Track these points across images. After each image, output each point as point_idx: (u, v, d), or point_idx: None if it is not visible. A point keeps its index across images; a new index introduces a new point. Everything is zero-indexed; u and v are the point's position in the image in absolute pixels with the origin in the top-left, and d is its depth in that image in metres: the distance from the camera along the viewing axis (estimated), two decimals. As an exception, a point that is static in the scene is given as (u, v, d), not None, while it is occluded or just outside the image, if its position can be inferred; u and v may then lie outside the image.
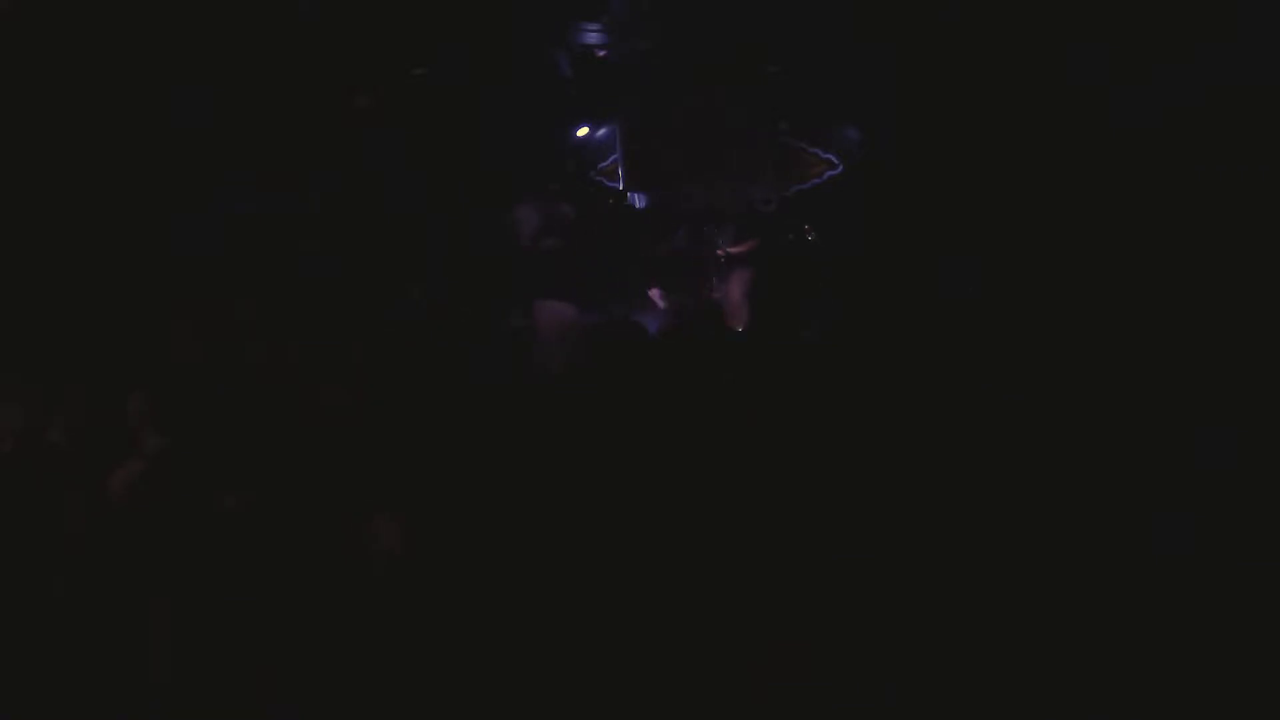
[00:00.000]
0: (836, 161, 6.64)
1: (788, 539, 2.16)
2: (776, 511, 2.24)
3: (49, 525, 2.39)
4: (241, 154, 4.79)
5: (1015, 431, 2.59)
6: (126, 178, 4.44)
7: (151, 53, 4.47)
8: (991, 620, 1.98)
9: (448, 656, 1.99)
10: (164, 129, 4.52)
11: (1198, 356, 2.82)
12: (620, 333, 3.39)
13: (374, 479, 2.45)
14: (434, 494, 2.37)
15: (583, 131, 7.17)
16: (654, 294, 5.41)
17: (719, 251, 6.01)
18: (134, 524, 2.33)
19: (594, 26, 6.07)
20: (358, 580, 2.15)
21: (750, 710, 1.82)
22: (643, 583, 2.07)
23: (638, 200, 7.16)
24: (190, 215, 4.47)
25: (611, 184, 7.24)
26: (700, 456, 2.46)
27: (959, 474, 2.38)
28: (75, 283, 4.04)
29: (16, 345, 3.49)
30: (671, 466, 2.42)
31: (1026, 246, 3.82)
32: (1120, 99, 3.74)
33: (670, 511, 2.25)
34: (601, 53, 6.30)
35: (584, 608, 2.03)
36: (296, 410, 2.88)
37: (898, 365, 3.08)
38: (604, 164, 7.30)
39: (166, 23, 4.49)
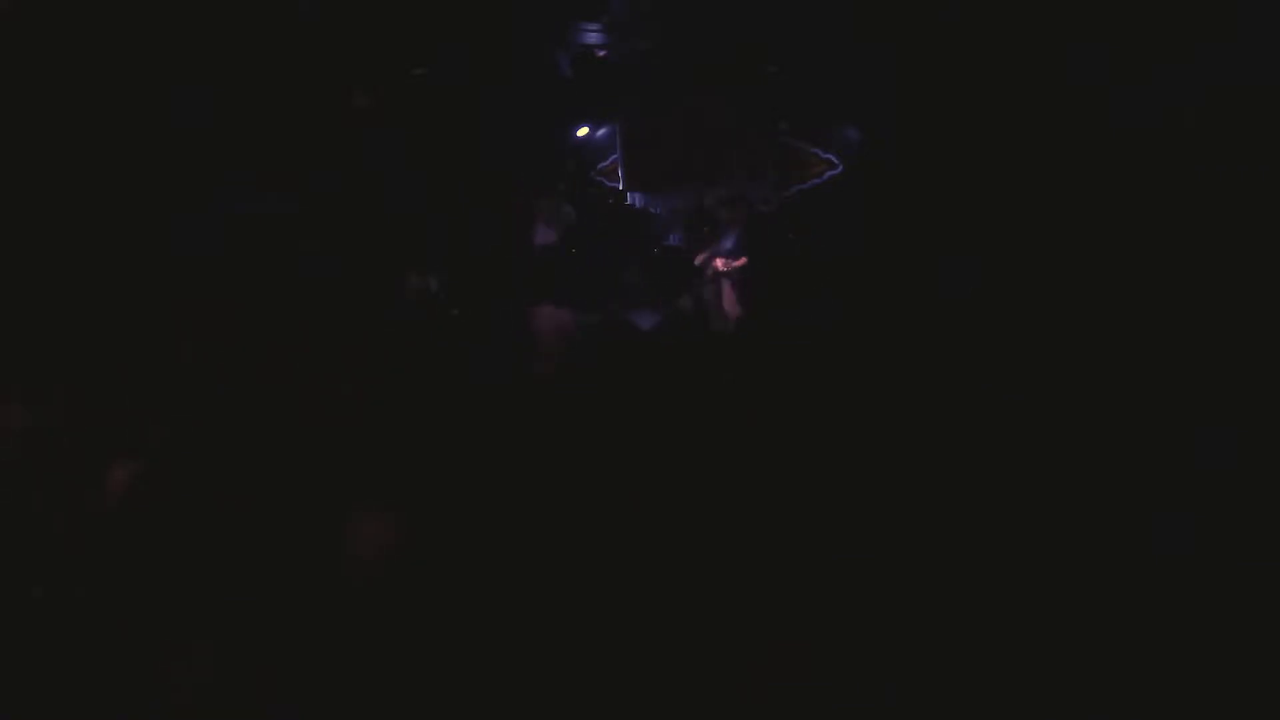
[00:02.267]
0: (836, 161, 6.65)
1: (788, 539, 2.17)
2: (776, 511, 2.24)
3: (49, 525, 2.39)
4: (241, 154, 4.79)
5: (1015, 431, 2.59)
6: (127, 178, 4.44)
7: (151, 53, 4.47)
8: (992, 620, 1.98)
9: (447, 656, 1.99)
10: (164, 129, 4.52)
11: (1198, 356, 2.82)
12: (619, 333, 3.40)
13: (374, 479, 2.45)
14: (434, 494, 2.37)
15: (583, 131, 7.18)
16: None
17: (710, 258, 6.03)
18: (134, 524, 2.33)
19: (594, 26, 6.08)
20: (358, 581, 2.15)
21: (750, 710, 1.82)
22: (642, 583, 2.07)
23: (638, 200, 7.17)
24: (190, 215, 4.47)
25: (611, 184, 7.26)
26: (700, 456, 2.46)
27: (959, 474, 2.38)
28: (75, 283, 4.04)
29: (16, 345, 3.49)
30: (671, 466, 2.42)
31: (1026, 246, 3.82)
32: (1120, 99, 3.74)
33: (670, 511, 2.25)
34: (601, 53, 6.30)
35: (583, 607, 2.03)
36: (296, 410, 2.88)
37: (897, 365, 3.08)
38: (604, 164, 7.32)
39: (166, 23, 4.49)
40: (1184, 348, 2.91)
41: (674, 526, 2.22)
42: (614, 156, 7.23)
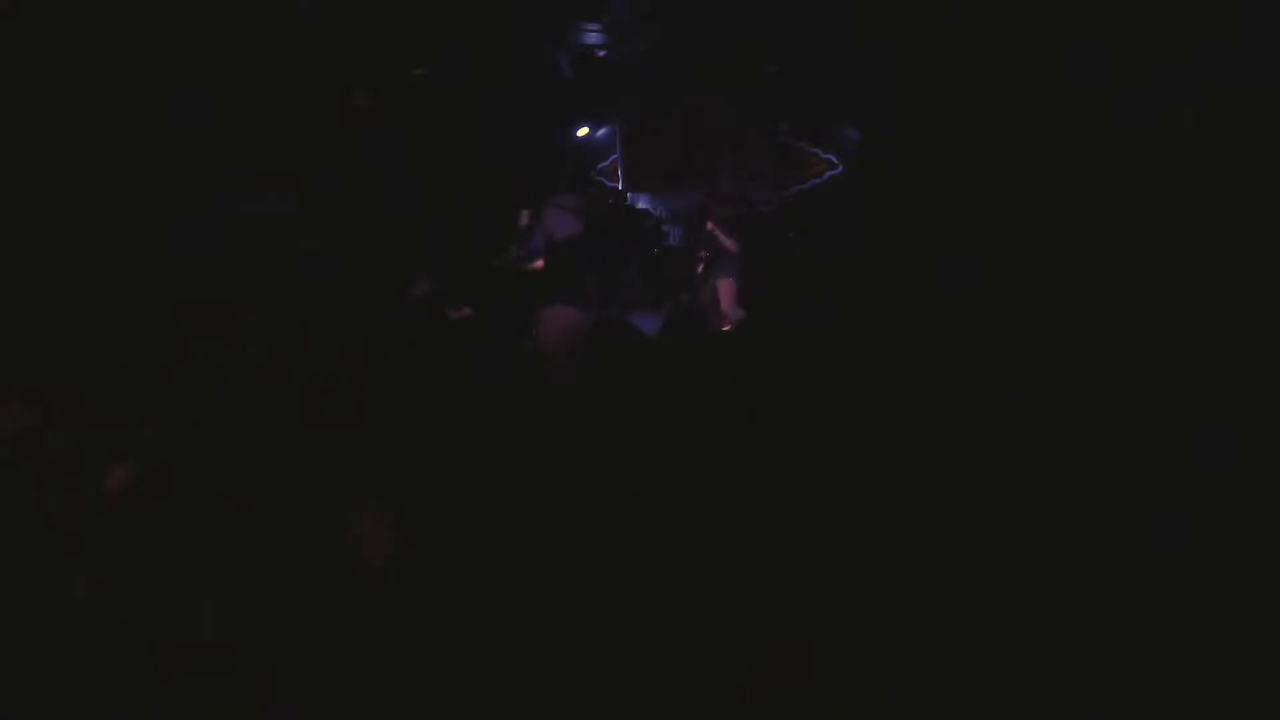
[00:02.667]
0: (836, 161, 6.65)
1: (788, 539, 2.17)
2: (776, 511, 2.24)
3: (49, 525, 2.39)
4: (241, 154, 4.79)
5: (1015, 431, 2.59)
6: (127, 178, 4.44)
7: (151, 53, 4.47)
8: (992, 620, 1.98)
9: (447, 657, 1.99)
10: (164, 129, 4.52)
11: (1198, 356, 2.83)
12: (618, 333, 3.39)
13: (374, 479, 2.45)
14: (434, 494, 2.37)
15: (583, 131, 7.19)
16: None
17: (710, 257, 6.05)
18: (134, 524, 2.33)
19: (594, 26, 6.08)
20: (358, 581, 2.15)
21: (750, 710, 1.82)
22: (643, 583, 2.07)
23: (638, 200, 7.18)
24: (190, 215, 4.47)
25: (611, 184, 7.26)
26: (700, 457, 2.46)
27: (959, 474, 2.38)
28: (75, 283, 4.03)
29: (16, 345, 3.48)
30: (671, 467, 2.42)
31: (1026, 246, 3.82)
32: (1120, 99, 3.74)
33: (670, 512, 2.25)
34: (601, 53, 6.31)
35: (584, 607, 2.03)
36: (296, 410, 2.88)
37: (897, 365, 3.08)
38: (604, 164, 7.33)
39: (166, 23, 4.49)
40: (1184, 348, 2.91)
41: (674, 527, 2.22)
42: (614, 156, 7.24)
